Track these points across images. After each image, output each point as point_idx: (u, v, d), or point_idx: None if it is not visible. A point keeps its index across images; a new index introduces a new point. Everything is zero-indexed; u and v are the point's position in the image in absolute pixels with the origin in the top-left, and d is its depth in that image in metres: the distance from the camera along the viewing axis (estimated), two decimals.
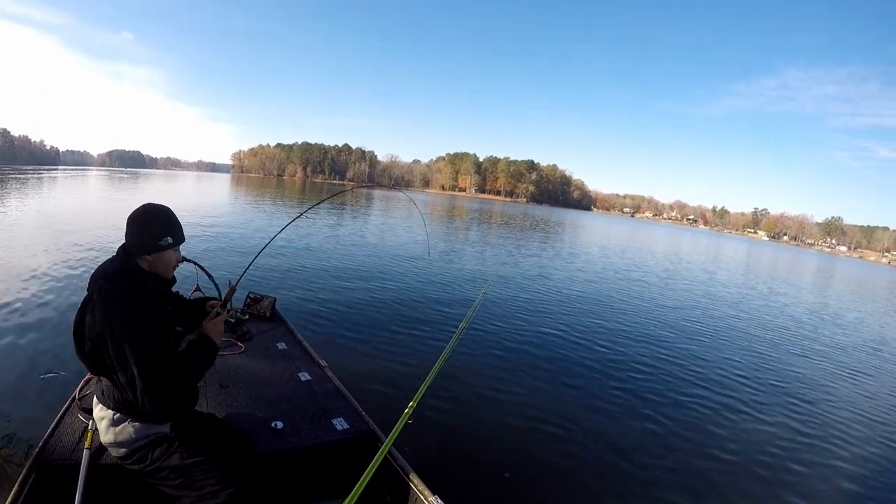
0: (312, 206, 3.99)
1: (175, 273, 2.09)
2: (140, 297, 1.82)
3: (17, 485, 1.98)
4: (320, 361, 3.52)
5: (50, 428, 2.39)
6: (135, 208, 1.96)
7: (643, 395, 5.50)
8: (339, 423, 2.66)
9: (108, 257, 1.89)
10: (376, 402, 4.19)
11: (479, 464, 3.66)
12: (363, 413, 2.79)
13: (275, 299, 4.55)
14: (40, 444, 2.25)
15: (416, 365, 5.42)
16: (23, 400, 3.89)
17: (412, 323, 7.04)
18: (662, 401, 5.37)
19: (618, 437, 4.42)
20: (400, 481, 2.33)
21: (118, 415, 1.88)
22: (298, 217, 3.24)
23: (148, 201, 2.02)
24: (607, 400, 5.22)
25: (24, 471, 2.07)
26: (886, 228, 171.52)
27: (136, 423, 1.88)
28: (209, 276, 3.83)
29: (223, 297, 4.04)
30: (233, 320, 2.05)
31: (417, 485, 2.22)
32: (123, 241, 1.91)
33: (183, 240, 2.03)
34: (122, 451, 1.90)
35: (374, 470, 0.80)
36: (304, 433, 2.56)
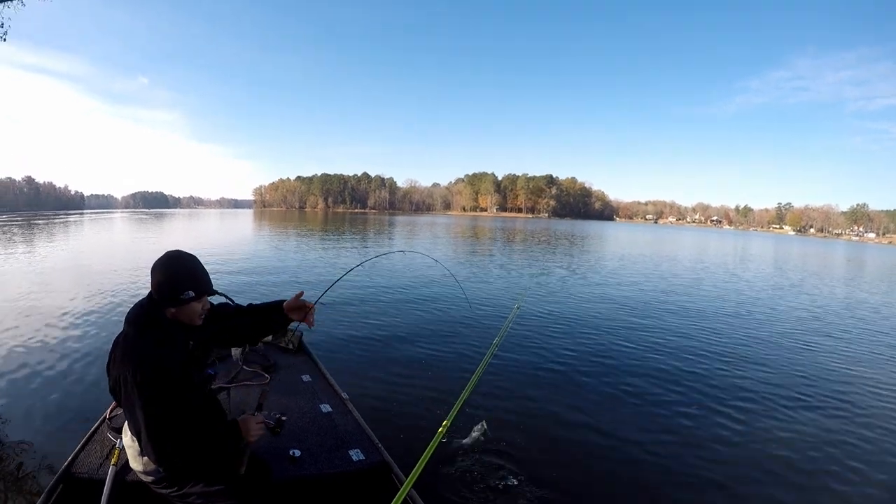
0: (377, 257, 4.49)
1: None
2: (161, 349, 1.81)
3: (44, 493, 2.13)
4: (342, 394, 3.57)
5: (80, 444, 2.54)
6: (158, 256, 1.92)
7: (693, 417, 5.15)
8: (356, 454, 2.70)
9: (130, 291, 2.04)
10: (396, 434, 4.05)
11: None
12: (379, 445, 2.85)
13: (301, 333, 4.66)
14: (70, 458, 2.40)
15: (440, 397, 5.19)
16: (57, 417, 4.15)
17: (437, 354, 6.90)
18: (709, 424, 5.00)
19: (662, 463, 4.15)
20: None
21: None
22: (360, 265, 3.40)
23: (173, 248, 1.98)
24: (653, 424, 4.91)
25: (52, 481, 2.23)
26: None
27: None
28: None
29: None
30: (272, 423, 2.09)
31: None
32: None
33: (208, 292, 1.96)
34: (150, 478, 1.96)
35: None
36: (320, 462, 2.60)
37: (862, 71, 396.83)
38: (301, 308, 2.27)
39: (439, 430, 1.02)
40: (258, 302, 2.37)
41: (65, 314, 8.08)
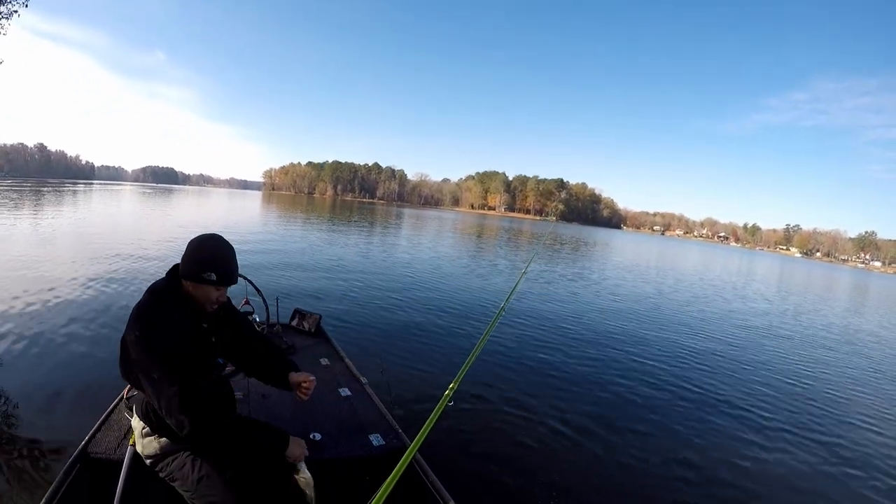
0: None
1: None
2: (170, 314, 1.82)
3: (61, 473, 2.10)
4: (361, 378, 3.57)
5: (97, 423, 2.51)
6: (202, 234, 1.98)
7: (686, 408, 5.57)
8: (376, 439, 2.70)
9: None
10: (414, 418, 4.09)
11: (515, 481, 3.60)
12: (399, 430, 2.84)
13: (320, 316, 4.64)
14: (87, 438, 2.37)
15: (454, 375, 5.38)
16: (73, 396, 4.03)
17: (456, 337, 7.17)
18: (702, 419, 5.34)
19: (655, 451, 4.37)
20: (431, 498, 2.35)
21: (146, 428, 1.96)
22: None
23: (216, 233, 2.00)
24: (646, 414, 5.22)
25: (69, 461, 2.19)
26: None
27: (162, 440, 1.95)
28: (257, 289, 4.14)
29: (269, 310, 4.27)
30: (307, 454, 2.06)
31: (448, 502, 2.25)
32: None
33: (230, 283, 1.96)
34: (149, 460, 2.01)
35: (398, 476, 0.80)
36: (341, 446, 2.60)
37: (883, 98, 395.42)
38: (300, 383, 2.24)
39: (446, 392, 1.14)
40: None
41: (79, 288, 7.68)
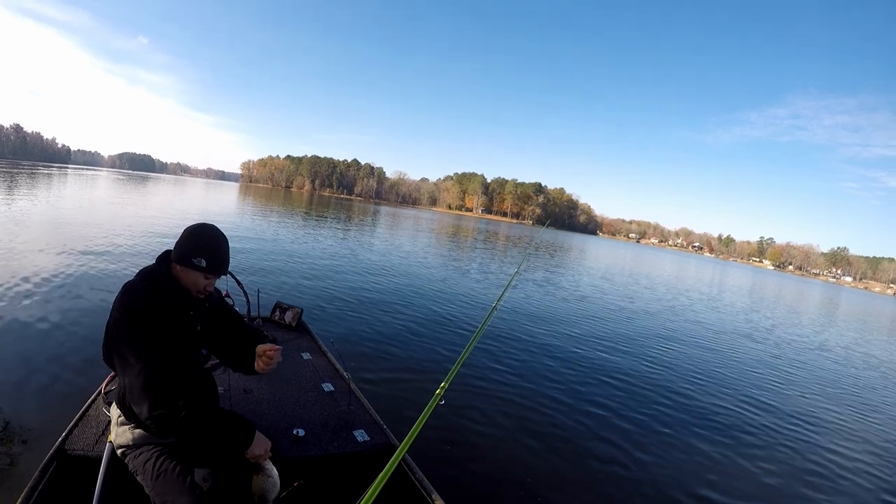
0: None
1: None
2: (156, 298, 1.81)
3: (38, 471, 2.04)
4: (344, 373, 3.48)
5: (74, 419, 2.44)
6: (199, 221, 2.01)
7: (673, 417, 5.64)
8: (361, 435, 2.65)
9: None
10: (397, 415, 4.08)
11: (499, 479, 3.64)
12: (384, 426, 2.79)
13: (301, 310, 4.55)
14: (63, 434, 2.30)
15: (441, 370, 5.39)
16: (50, 391, 3.89)
17: (436, 337, 7.16)
18: (690, 426, 5.46)
19: (642, 456, 4.44)
20: (417, 496, 2.32)
21: (122, 417, 1.93)
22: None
23: (211, 223, 2.01)
24: (632, 419, 5.30)
25: (45, 458, 2.12)
26: (892, 259, 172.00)
27: (136, 430, 1.90)
28: (238, 282, 4.08)
29: (249, 303, 4.23)
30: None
31: (436, 500, 2.21)
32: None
33: (219, 272, 1.96)
34: (120, 451, 1.96)
35: (387, 476, 0.79)
36: (325, 442, 2.55)
37: (860, 118, 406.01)
38: (264, 352, 2.09)
39: (437, 391, 1.11)
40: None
41: (50, 280, 7.11)
